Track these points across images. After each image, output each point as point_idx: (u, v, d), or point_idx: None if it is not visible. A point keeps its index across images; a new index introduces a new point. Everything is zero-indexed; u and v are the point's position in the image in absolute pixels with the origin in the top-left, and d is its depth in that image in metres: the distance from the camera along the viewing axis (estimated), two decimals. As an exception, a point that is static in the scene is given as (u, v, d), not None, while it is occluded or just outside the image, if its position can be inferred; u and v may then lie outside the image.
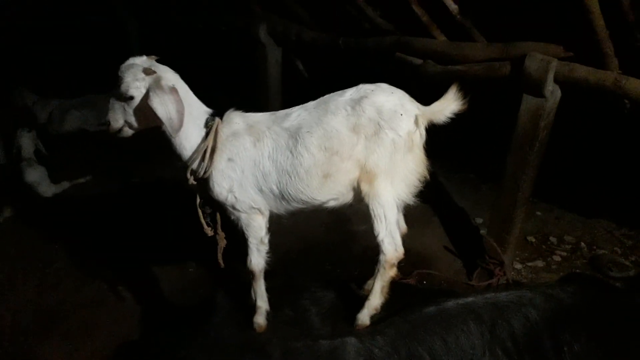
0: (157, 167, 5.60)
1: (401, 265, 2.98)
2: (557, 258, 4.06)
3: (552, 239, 4.29)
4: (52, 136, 6.50)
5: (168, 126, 2.21)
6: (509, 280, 3.47)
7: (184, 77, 2.54)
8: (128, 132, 2.39)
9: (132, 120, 2.31)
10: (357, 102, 2.24)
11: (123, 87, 2.25)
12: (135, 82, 2.25)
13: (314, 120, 2.27)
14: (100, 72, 7.30)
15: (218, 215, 2.51)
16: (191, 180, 2.37)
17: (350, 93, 2.30)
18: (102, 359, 3.12)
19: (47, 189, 5.22)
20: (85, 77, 7.62)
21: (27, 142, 5.42)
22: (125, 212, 4.88)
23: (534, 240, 4.29)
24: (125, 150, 6.19)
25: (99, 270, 3.97)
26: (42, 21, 7.95)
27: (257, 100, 5.84)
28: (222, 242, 2.55)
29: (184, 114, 2.21)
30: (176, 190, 5.22)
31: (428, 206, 4.74)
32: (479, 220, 4.50)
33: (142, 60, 2.31)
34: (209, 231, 2.51)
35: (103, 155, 6.26)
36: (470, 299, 2.15)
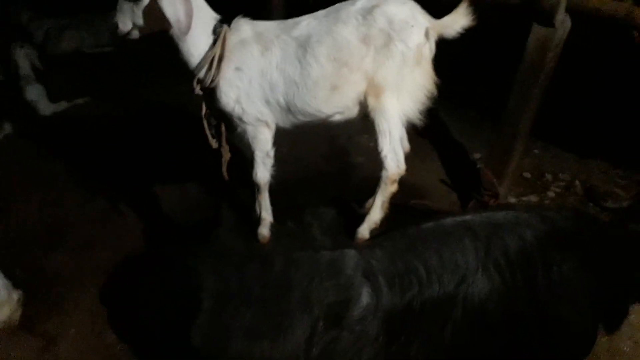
0: (153, 91, 5.56)
1: (397, 195, 3.06)
2: (551, 194, 4.13)
3: (548, 176, 4.35)
4: (49, 56, 6.37)
5: (176, 28, 2.18)
6: (502, 212, 3.56)
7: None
8: (136, 34, 2.34)
9: (140, 22, 2.26)
10: (368, 12, 2.20)
11: None
12: None
13: (324, 29, 2.24)
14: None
15: (223, 127, 2.51)
16: (197, 90, 2.35)
17: (362, 2, 2.26)
18: (106, 272, 3.22)
19: (46, 107, 5.21)
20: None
21: (22, 59, 5.34)
22: (124, 134, 4.89)
23: (529, 176, 4.35)
24: (121, 72, 6.14)
25: (101, 188, 4.03)
26: None
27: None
28: (227, 155, 2.57)
29: (192, 16, 2.18)
30: (174, 113, 5.24)
31: (426, 141, 4.77)
32: (477, 156, 4.53)
33: None
34: (213, 143, 2.52)
35: (100, 76, 6.18)
36: (467, 217, 2.21)
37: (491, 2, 3.26)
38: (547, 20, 3.01)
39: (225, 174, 2.59)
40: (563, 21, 3.02)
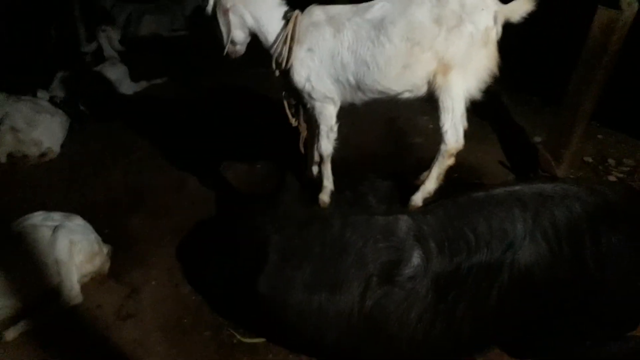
0: (224, 73, 5.89)
1: (454, 175, 3.14)
2: (612, 179, 4.07)
3: (611, 161, 4.28)
4: (130, 39, 6.88)
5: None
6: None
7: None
8: (240, 48, 2.72)
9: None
10: None
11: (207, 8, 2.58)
12: (209, 2, 2.56)
13: (398, 11, 2.37)
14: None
15: (301, 107, 2.74)
16: (277, 73, 2.60)
17: None
18: (182, 232, 3.55)
19: (128, 87, 5.66)
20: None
21: (105, 42, 5.81)
22: (198, 112, 5.28)
23: (591, 161, 4.30)
24: (196, 55, 6.54)
25: (176, 160, 4.41)
26: None
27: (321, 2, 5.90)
28: (304, 132, 2.77)
29: (230, 32, 2.55)
30: (243, 93, 5.56)
31: (487, 123, 4.81)
32: (538, 139, 4.52)
33: None
34: (293, 121, 2.73)
35: (176, 58, 6.62)
36: (517, 188, 2.32)
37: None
38: (613, 2, 3.00)
39: (301, 148, 2.80)
40: (630, 3, 3.01)
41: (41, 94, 4.87)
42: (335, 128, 2.64)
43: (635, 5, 3.04)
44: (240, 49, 2.71)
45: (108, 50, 5.81)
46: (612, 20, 3.07)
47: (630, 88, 4.49)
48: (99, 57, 5.87)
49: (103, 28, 5.91)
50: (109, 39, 5.87)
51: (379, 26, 2.38)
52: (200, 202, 3.88)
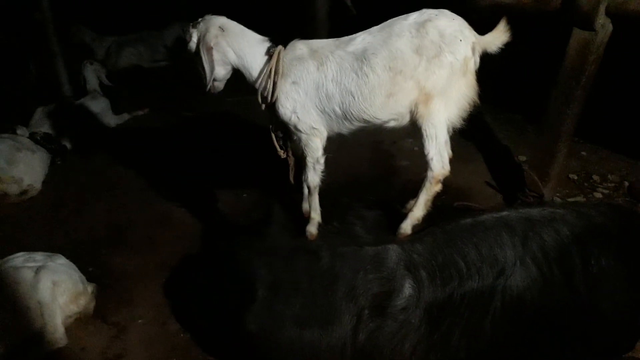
0: (204, 101, 5.87)
1: (442, 198, 3.15)
2: (598, 195, 4.11)
3: (595, 177, 4.33)
4: (110, 71, 6.85)
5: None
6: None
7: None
8: (218, 85, 2.74)
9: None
10: (421, 25, 2.38)
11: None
12: (192, 39, 2.60)
13: (379, 42, 2.42)
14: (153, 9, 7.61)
15: (288, 139, 2.75)
16: (263, 107, 2.62)
17: (414, 17, 2.43)
18: (168, 268, 3.48)
19: (111, 120, 5.61)
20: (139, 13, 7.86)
21: (91, 75, 5.77)
22: (181, 142, 5.25)
23: (576, 178, 4.34)
24: (175, 85, 6.54)
25: (161, 193, 4.35)
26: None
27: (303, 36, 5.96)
28: (293, 164, 2.79)
29: (213, 70, 2.57)
30: (224, 122, 5.55)
31: (472, 144, 4.85)
32: (522, 158, 4.56)
33: (202, 19, 2.61)
34: (282, 153, 2.75)
35: (157, 90, 6.60)
36: (504, 213, 2.32)
37: (531, 10, 3.35)
38: (587, 24, 3.06)
39: (291, 179, 2.81)
40: (603, 25, 3.07)
41: (21, 130, 4.79)
42: (322, 160, 2.66)
43: (609, 26, 3.10)
44: (219, 85, 2.73)
45: (91, 84, 5.76)
46: (588, 42, 3.13)
47: (611, 104, 4.57)
48: (80, 90, 5.82)
49: (90, 61, 5.88)
50: (97, 73, 5.85)
51: (362, 57, 2.43)
52: (186, 235, 3.82)
